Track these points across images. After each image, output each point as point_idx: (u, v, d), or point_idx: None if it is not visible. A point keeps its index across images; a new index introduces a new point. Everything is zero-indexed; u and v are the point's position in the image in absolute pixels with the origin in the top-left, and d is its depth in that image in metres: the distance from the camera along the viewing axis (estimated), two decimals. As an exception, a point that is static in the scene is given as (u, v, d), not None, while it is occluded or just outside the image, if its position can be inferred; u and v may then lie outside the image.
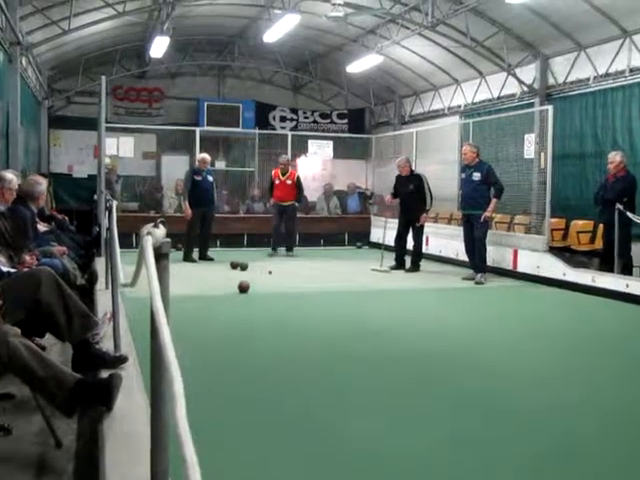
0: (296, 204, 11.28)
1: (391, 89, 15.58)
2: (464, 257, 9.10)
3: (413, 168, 10.19)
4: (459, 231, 9.26)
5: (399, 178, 9.81)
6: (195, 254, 10.17)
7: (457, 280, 8.64)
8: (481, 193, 8.53)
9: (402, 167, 9.72)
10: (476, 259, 8.59)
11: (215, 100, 15.53)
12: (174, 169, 13.60)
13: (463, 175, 8.94)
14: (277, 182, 11.23)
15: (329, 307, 6.65)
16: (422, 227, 9.59)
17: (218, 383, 3.93)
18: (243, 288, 7.27)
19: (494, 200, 8.52)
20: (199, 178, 10.15)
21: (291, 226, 11.27)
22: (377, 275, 9.02)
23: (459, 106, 13.41)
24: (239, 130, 14.86)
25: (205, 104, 15.09)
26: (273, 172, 11.46)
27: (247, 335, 5.27)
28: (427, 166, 11.55)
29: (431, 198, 9.43)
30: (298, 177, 11.40)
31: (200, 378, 3.78)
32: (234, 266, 9.12)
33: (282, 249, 11.21)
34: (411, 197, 9.45)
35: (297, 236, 12.02)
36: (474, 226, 8.55)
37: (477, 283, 8.34)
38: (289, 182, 11.19)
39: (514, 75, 11.38)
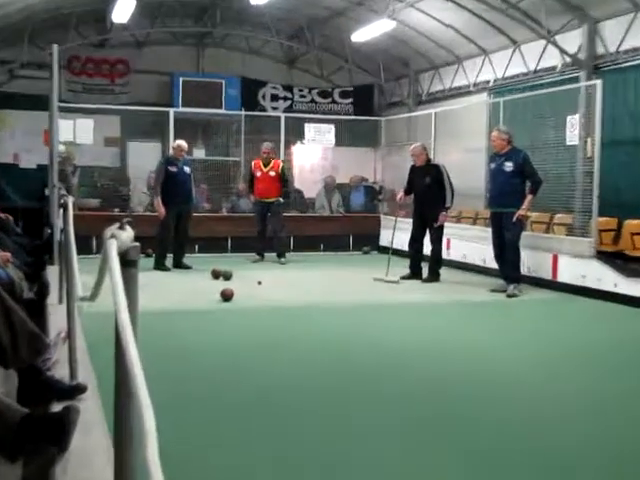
0: (281, 200, 11.33)
1: (405, 62, 15.60)
2: (493, 264, 9.11)
3: (431, 157, 10.21)
4: (487, 233, 9.27)
5: (413, 169, 9.85)
6: (169, 261, 10.19)
7: (484, 292, 8.65)
8: (514, 187, 8.54)
9: (417, 156, 9.75)
10: (507, 267, 8.60)
11: (192, 75, 15.55)
12: (143, 158, 13.60)
13: (492, 165, 8.96)
14: (258, 174, 11.31)
15: (329, 325, 6.65)
16: (441, 228, 9.62)
17: (197, 419, 3.92)
18: (226, 296, 7.49)
19: (530, 196, 8.53)
20: (174, 170, 10.18)
21: (278, 227, 11.30)
22: (387, 287, 9.03)
23: (487, 82, 13.44)
24: (222, 112, 14.87)
25: (180, 80, 15.12)
26: (253, 163, 11.53)
27: (231, 360, 5.28)
28: (448, 154, 11.55)
29: (452, 193, 9.46)
30: (283, 168, 11.47)
31: (176, 413, 3.77)
32: (216, 275, 9.13)
33: (273, 254, 11.23)
34: (428, 192, 9.48)
35: (289, 239, 12.04)
36: (505, 227, 8.56)
37: (509, 296, 8.35)
38: (272, 174, 11.26)
39: (555, 43, 11.39)
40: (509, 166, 8.58)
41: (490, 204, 9.24)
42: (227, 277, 9.04)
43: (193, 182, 10.71)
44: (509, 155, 8.64)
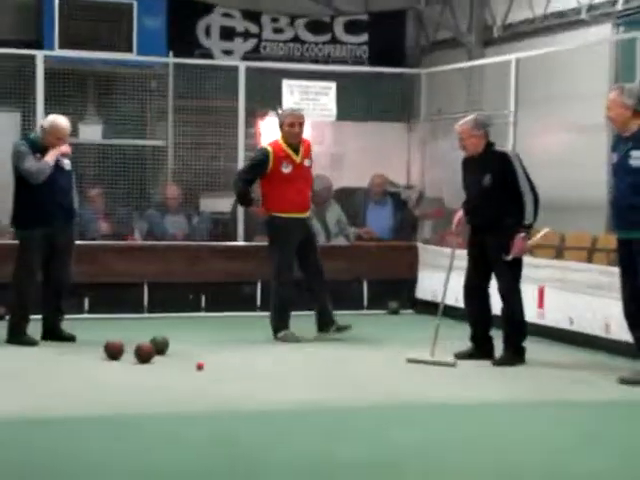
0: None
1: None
2: (624, 334, 9.16)
3: (493, 140, 10.05)
4: (613, 277, 9.33)
5: (466, 163, 9.82)
6: (36, 327, 10.23)
7: (609, 384, 8.65)
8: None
9: (465, 138, 9.72)
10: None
11: (78, -8, 15.68)
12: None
13: (615, 157, 8.94)
14: (287, 170, 10.90)
15: (328, 443, 6.63)
16: (518, 265, 9.63)
17: None
18: (144, 354, 8.70)
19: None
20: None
21: (319, 263, 11.17)
22: (433, 374, 9.08)
23: (612, 3, 13.52)
24: (132, 58, 14.94)
25: (56, 1, 15.19)
26: (271, 149, 10.94)
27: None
28: (540, 135, 11.62)
29: (536, 201, 9.45)
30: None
31: None
32: (112, 354, 9.24)
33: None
34: (488, 200, 9.52)
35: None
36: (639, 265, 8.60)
37: (653, 391, 8.39)
38: (308, 164, 11.11)
39: None
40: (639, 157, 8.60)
41: (614, 225, 9.30)
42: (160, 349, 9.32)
43: (76, 186, 10.72)
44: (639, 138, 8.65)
